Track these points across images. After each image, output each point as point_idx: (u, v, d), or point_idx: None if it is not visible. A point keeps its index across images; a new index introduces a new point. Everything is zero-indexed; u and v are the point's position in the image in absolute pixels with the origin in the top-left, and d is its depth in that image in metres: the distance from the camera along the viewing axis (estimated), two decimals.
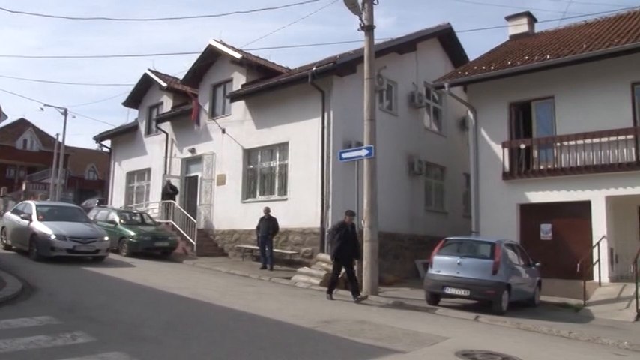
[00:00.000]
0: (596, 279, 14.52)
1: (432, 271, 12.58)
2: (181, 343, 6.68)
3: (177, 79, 24.44)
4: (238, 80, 20.79)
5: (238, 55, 20.56)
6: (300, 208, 17.47)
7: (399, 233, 18.52)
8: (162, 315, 8.61)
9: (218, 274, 15.44)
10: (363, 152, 13.88)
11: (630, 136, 14.75)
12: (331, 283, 12.59)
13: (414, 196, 20.00)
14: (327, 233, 15.05)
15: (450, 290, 12.08)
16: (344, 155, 14.78)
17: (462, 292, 11.98)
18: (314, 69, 17.08)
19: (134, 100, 26.76)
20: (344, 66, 17.07)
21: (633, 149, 14.71)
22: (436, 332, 8.89)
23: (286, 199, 18.13)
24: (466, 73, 17.81)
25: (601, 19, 20.14)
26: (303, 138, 17.80)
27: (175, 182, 22.59)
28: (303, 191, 17.52)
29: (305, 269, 15.08)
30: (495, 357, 7.39)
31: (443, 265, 12.38)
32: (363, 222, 13.75)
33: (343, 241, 12.38)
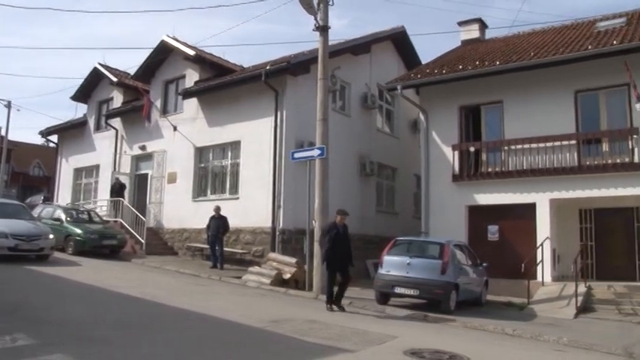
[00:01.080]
0: (539, 278, 15.00)
1: (381, 271, 12.72)
2: (129, 344, 6.55)
3: (129, 74, 23.94)
4: (191, 77, 20.55)
5: (192, 52, 20.33)
6: (252, 208, 17.39)
7: (349, 233, 18.56)
8: (109, 315, 8.43)
9: (168, 274, 15.22)
10: (315, 152, 13.91)
11: (573, 142, 15.34)
12: (329, 293, 11.26)
13: (365, 197, 20.17)
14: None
15: (399, 290, 12.23)
16: (296, 155, 14.79)
17: (411, 291, 12.15)
18: (268, 68, 17.03)
19: (83, 94, 26.11)
20: (298, 66, 17.08)
21: (576, 154, 15.30)
22: (385, 331, 8.97)
23: (237, 198, 18.02)
24: (418, 75, 18.10)
25: (548, 28, 20.83)
26: (255, 137, 17.73)
27: (125, 179, 22.16)
28: (254, 190, 17.45)
29: (255, 269, 15.01)
30: (443, 355, 7.50)
31: (393, 265, 12.54)
32: (314, 222, 13.79)
33: (332, 244, 11.28)
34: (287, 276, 14.44)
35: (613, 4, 76.27)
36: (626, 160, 14.68)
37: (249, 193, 17.68)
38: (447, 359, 7.37)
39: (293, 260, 14.75)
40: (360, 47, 20.15)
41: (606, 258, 15.99)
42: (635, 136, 14.59)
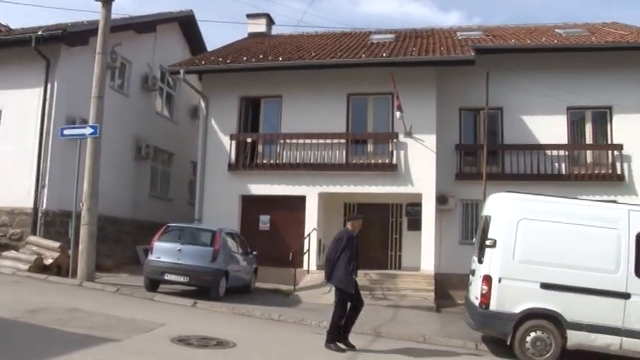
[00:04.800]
0: (305, 267, 15.99)
1: (152, 257, 12.50)
2: None
3: None
4: None
5: None
6: (10, 186, 15.70)
7: (120, 217, 17.89)
8: None
9: None
10: (87, 130, 13.23)
11: (343, 140, 16.62)
12: (335, 329, 8.52)
13: (139, 181, 19.49)
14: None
15: (169, 277, 12.15)
16: (65, 132, 13.92)
17: (181, 278, 12.14)
18: (40, 33, 15.47)
19: None
20: (75, 36, 15.85)
21: (344, 152, 16.59)
22: (153, 319, 8.88)
23: None
24: (203, 62, 18.09)
25: (329, 32, 22.35)
26: (19, 108, 16.01)
27: None
28: (14, 167, 15.74)
29: (12, 253, 13.73)
30: (210, 341, 7.68)
31: (163, 251, 12.39)
32: (81, 204, 13.07)
33: (355, 264, 8.85)
34: (49, 261, 13.45)
35: (382, 20, 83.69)
36: (387, 161, 16.32)
37: (8, 169, 15.92)
38: (214, 345, 7.56)
39: (56, 244, 13.79)
40: (145, 25, 19.34)
41: (366, 248, 17.55)
42: (394, 140, 16.28)
